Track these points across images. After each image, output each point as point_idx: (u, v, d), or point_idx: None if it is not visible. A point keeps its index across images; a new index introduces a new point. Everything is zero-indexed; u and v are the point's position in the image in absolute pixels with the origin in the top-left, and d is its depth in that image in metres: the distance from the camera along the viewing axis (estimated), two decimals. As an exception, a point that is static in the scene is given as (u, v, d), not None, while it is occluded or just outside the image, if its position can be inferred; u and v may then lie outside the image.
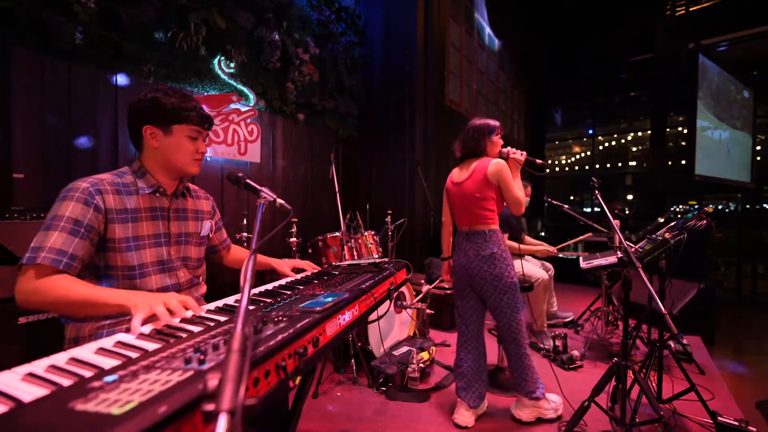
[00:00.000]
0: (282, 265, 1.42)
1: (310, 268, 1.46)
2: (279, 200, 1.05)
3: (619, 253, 1.88)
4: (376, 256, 2.74)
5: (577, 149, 8.65)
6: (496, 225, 1.94)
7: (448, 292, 3.40)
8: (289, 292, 1.04)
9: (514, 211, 1.93)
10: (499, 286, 1.90)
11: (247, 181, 1.11)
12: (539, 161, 1.84)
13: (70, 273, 0.94)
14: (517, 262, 3.13)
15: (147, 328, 0.78)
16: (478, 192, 1.90)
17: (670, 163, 6.78)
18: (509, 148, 1.98)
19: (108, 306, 0.89)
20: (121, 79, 2.46)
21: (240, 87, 3.10)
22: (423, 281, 3.28)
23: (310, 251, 2.77)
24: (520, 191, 1.89)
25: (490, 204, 1.91)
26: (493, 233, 1.92)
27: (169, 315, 0.83)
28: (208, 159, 2.98)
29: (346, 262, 1.49)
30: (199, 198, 1.33)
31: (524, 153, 1.92)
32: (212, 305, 0.97)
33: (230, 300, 1.02)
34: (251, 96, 3.17)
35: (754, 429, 1.71)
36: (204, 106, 1.20)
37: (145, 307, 0.83)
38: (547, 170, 2.06)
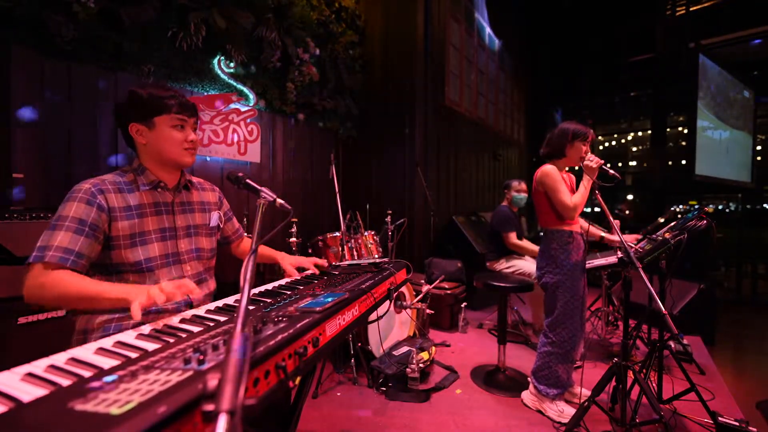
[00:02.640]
0: (285, 261, 1.40)
1: (312, 266, 1.40)
2: (279, 200, 1.05)
3: (619, 253, 1.88)
4: (376, 256, 2.74)
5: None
6: (556, 225, 2.03)
7: (448, 292, 3.40)
8: (289, 292, 1.04)
9: (564, 215, 1.97)
10: (542, 281, 2.08)
11: (247, 181, 1.11)
12: (612, 172, 1.80)
13: (78, 271, 0.96)
14: (518, 262, 3.15)
15: (147, 328, 0.78)
16: (535, 199, 2.10)
17: (670, 163, 6.78)
18: (589, 154, 1.97)
19: (109, 300, 0.91)
20: (121, 79, 2.46)
21: (240, 87, 3.10)
22: (423, 281, 3.28)
23: (310, 251, 2.77)
24: (579, 196, 1.91)
25: (546, 208, 2.04)
26: (551, 232, 2.05)
27: (163, 296, 0.85)
28: (208, 159, 2.98)
29: (346, 262, 1.49)
30: (204, 190, 1.34)
31: (600, 161, 1.89)
32: (212, 305, 0.97)
33: (230, 300, 1.02)
34: (251, 96, 3.17)
35: (755, 429, 1.71)
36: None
37: (142, 295, 0.85)
38: (616, 181, 2.06)
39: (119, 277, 1.07)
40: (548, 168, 1.99)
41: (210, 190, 1.36)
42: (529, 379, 2.14)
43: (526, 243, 3.31)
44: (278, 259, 1.43)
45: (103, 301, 0.92)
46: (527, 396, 2.14)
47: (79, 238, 0.97)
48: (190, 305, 1.13)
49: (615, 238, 2.42)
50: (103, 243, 1.04)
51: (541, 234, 2.15)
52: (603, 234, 2.48)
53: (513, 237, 3.16)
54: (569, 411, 1.94)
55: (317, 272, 1.40)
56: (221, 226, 1.38)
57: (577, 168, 2.03)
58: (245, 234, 1.56)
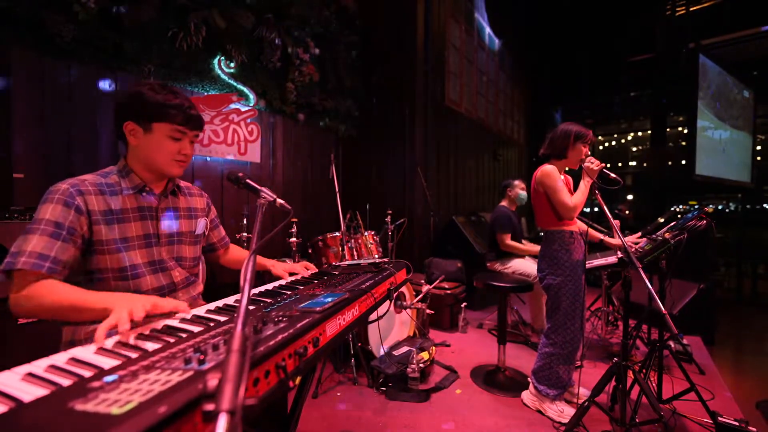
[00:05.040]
0: (277, 267, 1.40)
1: (304, 270, 1.40)
2: (279, 200, 1.05)
3: (619, 253, 1.88)
4: (376, 256, 2.74)
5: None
6: (557, 226, 2.03)
7: (448, 292, 3.40)
8: (289, 292, 1.04)
9: (563, 215, 1.96)
10: (543, 283, 2.07)
11: (247, 181, 1.09)
12: (613, 176, 1.79)
13: (55, 278, 0.91)
14: (518, 262, 3.15)
15: (147, 329, 0.78)
16: (535, 199, 2.10)
17: (670, 163, 6.78)
18: (589, 156, 1.97)
19: (93, 311, 0.85)
20: (121, 79, 2.46)
21: (240, 87, 3.10)
22: (423, 281, 3.28)
23: (310, 251, 2.77)
24: (579, 196, 1.91)
25: (546, 209, 2.03)
26: (551, 233, 2.04)
27: (128, 322, 0.74)
28: (208, 159, 2.98)
29: (346, 262, 1.49)
30: (192, 195, 1.29)
31: (601, 164, 1.88)
32: (212, 305, 0.97)
33: (230, 300, 1.02)
34: (251, 96, 3.17)
35: (755, 429, 1.71)
36: (203, 106, 1.18)
37: (118, 312, 0.76)
38: (618, 186, 2.04)
39: (103, 284, 1.02)
40: (548, 168, 1.99)
41: (198, 195, 1.32)
42: (529, 379, 2.14)
43: (523, 244, 3.31)
44: (269, 266, 1.41)
45: (84, 311, 0.85)
46: (527, 396, 2.14)
47: (55, 243, 0.91)
48: None
49: (615, 241, 2.39)
50: (85, 247, 0.99)
51: (541, 234, 2.14)
52: (603, 237, 2.47)
53: (507, 238, 3.16)
54: (569, 411, 1.94)
55: (313, 270, 1.39)
56: (206, 233, 1.34)
57: (577, 168, 2.03)
58: (231, 243, 1.52)
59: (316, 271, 1.42)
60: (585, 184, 1.92)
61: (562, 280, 1.98)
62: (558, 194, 1.93)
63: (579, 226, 2.13)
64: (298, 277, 1.35)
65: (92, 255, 1.00)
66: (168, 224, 1.17)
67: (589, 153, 2.00)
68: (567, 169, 2.13)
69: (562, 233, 2.01)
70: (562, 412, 1.95)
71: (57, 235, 0.92)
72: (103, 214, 1.02)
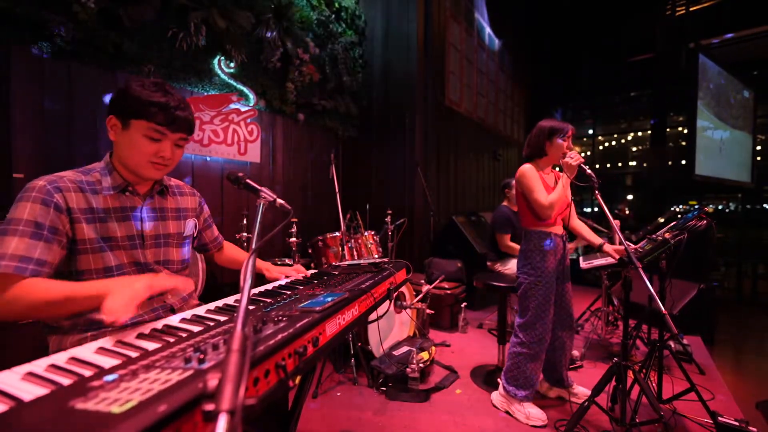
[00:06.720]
0: (272, 271, 1.37)
1: (297, 273, 1.38)
2: (279, 200, 1.04)
3: (619, 253, 1.87)
4: (376, 256, 2.74)
5: (577, 149, 8.60)
6: (535, 226, 2.02)
7: (448, 292, 3.40)
8: (289, 292, 1.04)
9: (540, 214, 1.95)
10: (517, 281, 2.08)
11: (247, 181, 1.07)
12: (588, 172, 1.75)
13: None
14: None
15: (147, 328, 0.78)
16: (517, 200, 2.12)
17: (670, 163, 6.78)
18: (571, 151, 1.92)
19: (87, 298, 0.81)
20: (121, 79, 2.46)
21: (240, 87, 3.10)
22: (423, 281, 3.28)
23: (310, 251, 2.77)
24: (555, 194, 1.88)
25: (525, 208, 2.05)
26: (529, 233, 2.05)
27: (125, 314, 0.73)
28: (208, 159, 2.98)
29: (346, 262, 1.49)
30: (183, 194, 1.24)
31: (580, 159, 1.84)
32: (212, 305, 0.97)
33: (230, 300, 1.02)
34: (251, 96, 3.17)
35: (755, 429, 1.71)
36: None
37: (124, 290, 0.77)
38: (596, 183, 1.75)
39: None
40: (524, 168, 1.97)
41: (190, 194, 1.27)
42: (498, 380, 2.12)
43: (514, 245, 3.30)
44: (263, 270, 1.38)
45: (83, 300, 0.81)
46: (496, 397, 2.13)
47: (38, 244, 0.86)
48: (171, 310, 1.10)
49: (614, 250, 1.94)
50: (69, 247, 0.94)
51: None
52: (604, 243, 2.05)
53: (507, 239, 3.15)
54: (536, 414, 1.94)
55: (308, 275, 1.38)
56: (195, 234, 1.29)
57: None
58: (226, 242, 1.49)
59: (308, 274, 1.39)
60: (564, 181, 1.89)
61: (533, 280, 1.97)
62: (533, 193, 1.92)
63: (578, 226, 2.11)
64: (299, 276, 1.35)
65: (75, 255, 0.96)
66: (154, 225, 1.12)
67: (572, 147, 1.96)
68: (559, 168, 2.11)
69: (539, 234, 1.99)
70: (529, 415, 1.94)
71: (38, 236, 0.86)
72: (84, 213, 0.96)
